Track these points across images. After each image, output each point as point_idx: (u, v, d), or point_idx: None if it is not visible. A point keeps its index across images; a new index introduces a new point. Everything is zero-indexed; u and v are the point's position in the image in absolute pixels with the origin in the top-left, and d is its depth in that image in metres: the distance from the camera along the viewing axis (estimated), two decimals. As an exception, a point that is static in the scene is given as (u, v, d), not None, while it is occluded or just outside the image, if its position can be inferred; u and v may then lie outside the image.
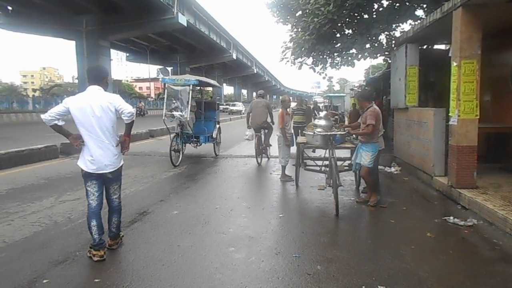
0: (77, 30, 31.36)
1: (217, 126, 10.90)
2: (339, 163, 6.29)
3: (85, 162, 3.71)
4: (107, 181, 3.85)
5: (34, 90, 71.03)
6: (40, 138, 12.40)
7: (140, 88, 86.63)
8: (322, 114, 6.87)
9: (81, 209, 5.42)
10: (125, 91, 47.95)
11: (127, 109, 3.70)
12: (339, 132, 6.16)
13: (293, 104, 11.29)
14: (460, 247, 4.25)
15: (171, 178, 7.88)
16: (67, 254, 3.87)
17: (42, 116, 3.65)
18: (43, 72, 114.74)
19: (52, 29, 32.47)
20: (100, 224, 3.78)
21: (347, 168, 6.52)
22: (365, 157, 5.61)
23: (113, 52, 47.61)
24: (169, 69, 52.32)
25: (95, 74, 3.84)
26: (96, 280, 3.32)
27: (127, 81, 77.00)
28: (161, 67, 53.83)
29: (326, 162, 6.12)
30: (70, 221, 4.94)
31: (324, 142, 6.08)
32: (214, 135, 10.59)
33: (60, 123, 3.65)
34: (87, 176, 3.75)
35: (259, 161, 9.45)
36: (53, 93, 53.24)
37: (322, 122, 6.42)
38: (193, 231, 4.61)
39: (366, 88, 14.07)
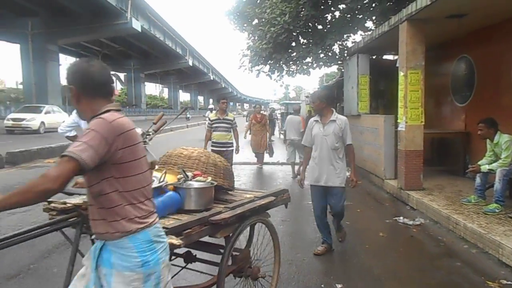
0: (21, 33, 29.55)
1: None
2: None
3: None
4: None
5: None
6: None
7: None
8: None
9: (33, 221, 5.15)
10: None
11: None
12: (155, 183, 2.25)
13: (213, 113, 7.26)
14: (409, 245, 4.55)
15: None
16: (20, 267, 3.69)
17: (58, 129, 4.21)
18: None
19: (-9, 31, 30.38)
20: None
21: None
22: None
23: (63, 57, 45.46)
24: (122, 75, 50.86)
25: None
26: (53, 293, 3.20)
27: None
28: (114, 73, 52.24)
29: None
30: (20, 234, 4.69)
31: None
32: None
33: (72, 133, 4.02)
34: None
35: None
36: (-5, 99, 49.65)
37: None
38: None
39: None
